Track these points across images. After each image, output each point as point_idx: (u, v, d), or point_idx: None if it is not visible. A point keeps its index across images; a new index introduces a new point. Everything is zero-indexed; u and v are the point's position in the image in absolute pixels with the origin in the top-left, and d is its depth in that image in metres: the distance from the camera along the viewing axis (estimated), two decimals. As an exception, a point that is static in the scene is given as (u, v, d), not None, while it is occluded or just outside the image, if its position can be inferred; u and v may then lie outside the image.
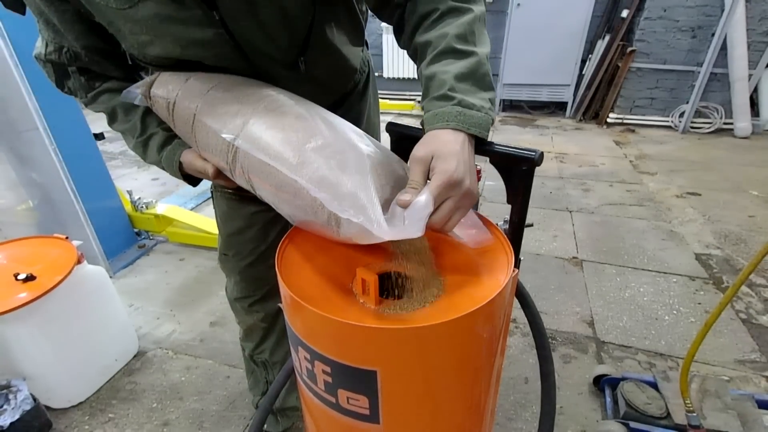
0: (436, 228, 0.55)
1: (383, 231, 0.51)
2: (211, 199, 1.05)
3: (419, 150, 0.57)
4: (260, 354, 1.26)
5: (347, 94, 0.96)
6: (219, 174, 0.74)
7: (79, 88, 0.79)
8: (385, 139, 0.79)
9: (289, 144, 0.60)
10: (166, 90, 0.73)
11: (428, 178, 0.56)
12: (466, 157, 0.56)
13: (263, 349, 1.25)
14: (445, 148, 0.55)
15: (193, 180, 0.84)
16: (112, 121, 0.83)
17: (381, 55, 5.61)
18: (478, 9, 0.65)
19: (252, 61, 0.72)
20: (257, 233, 1.01)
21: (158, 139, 0.81)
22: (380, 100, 5.21)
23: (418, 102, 5.25)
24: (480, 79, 0.61)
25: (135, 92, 0.76)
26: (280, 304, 0.62)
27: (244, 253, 1.04)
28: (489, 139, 0.61)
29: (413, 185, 0.55)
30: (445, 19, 0.64)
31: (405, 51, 0.75)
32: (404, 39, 0.72)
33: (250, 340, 1.25)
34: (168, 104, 0.73)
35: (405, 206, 0.54)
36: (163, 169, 0.83)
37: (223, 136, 0.65)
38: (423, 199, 0.53)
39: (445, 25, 0.64)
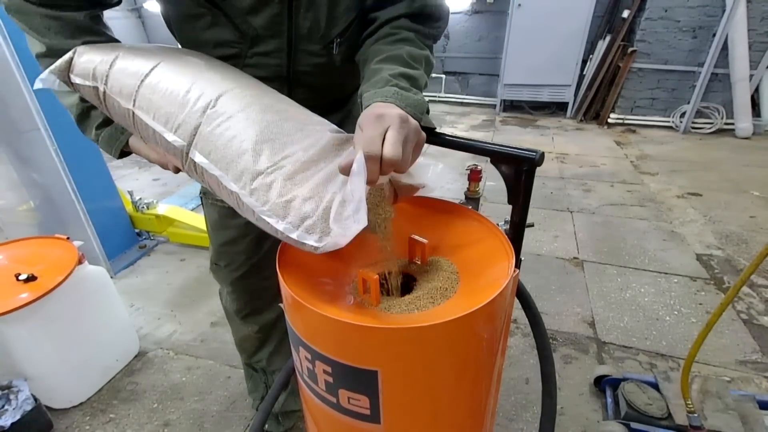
0: (394, 161, 0.49)
1: (345, 238, 0.49)
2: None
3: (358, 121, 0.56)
4: (258, 362, 1.25)
5: (349, 96, 0.96)
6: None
7: None
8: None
9: (252, 161, 0.53)
10: (91, 75, 0.59)
11: None
12: (393, 112, 0.53)
13: (260, 359, 1.24)
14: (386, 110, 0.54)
15: (124, 154, 0.74)
16: (45, 56, 0.65)
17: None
18: (432, 58, 0.73)
19: (295, 30, 0.70)
20: (250, 244, 0.97)
21: (101, 114, 0.70)
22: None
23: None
24: (418, 86, 0.63)
25: (50, 78, 0.61)
26: (280, 304, 0.62)
27: (236, 264, 1.00)
28: (486, 139, 0.62)
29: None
30: (404, 44, 0.69)
31: (358, 61, 0.77)
32: (362, 49, 0.74)
33: (245, 350, 1.23)
34: (97, 92, 0.60)
35: (344, 171, 0.51)
36: (95, 142, 0.72)
37: (172, 142, 0.56)
38: (356, 154, 0.49)
39: (404, 46, 0.68)
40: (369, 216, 0.50)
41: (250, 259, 0.99)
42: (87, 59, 0.59)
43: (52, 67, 0.61)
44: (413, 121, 0.55)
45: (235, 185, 0.53)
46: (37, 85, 0.61)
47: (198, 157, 0.55)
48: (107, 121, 0.70)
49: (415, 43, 0.70)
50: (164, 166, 0.68)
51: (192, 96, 0.56)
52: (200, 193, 0.99)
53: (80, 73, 0.59)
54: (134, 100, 0.56)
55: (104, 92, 0.58)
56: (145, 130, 0.58)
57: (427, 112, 0.62)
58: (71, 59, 0.60)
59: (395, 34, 0.70)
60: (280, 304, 0.62)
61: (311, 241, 0.50)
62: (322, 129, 0.61)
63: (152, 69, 0.57)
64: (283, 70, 0.75)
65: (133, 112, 0.57)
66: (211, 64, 0.63)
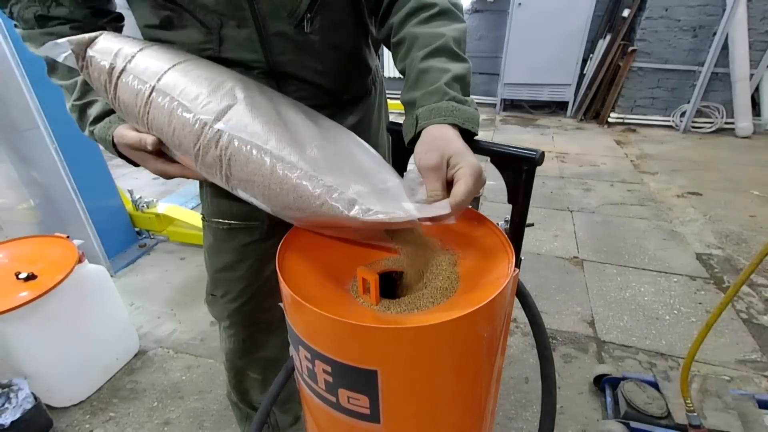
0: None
1: (413, 211, 0.52)
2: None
3: (429, 157, 0.55)
4: (252, 402, 1.13)
5: (361, 99, 0.87)
6: (159, 150, 0.62)
7: (25, 19, 0.67)
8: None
9: (297, 145, 0.55)
10: (113, 53, 0.59)
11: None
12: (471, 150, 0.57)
13: (257, 401, 1.12)
14: (456, 145, 0.55)
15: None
16: (51, 71, 0.70)
17: (381, 55, 5.61)
18: (465, 24, 0.68)
19: (258, 11, 0.65)
20: (249, 269, 0.89)
21: (97, 108, 0.69)
22: (381, 100, 5.21)
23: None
24: (467, 85, 0.63)
25: (64, 47, 0.60)
26: (280, 304, 0.62)
27: (234, 293, 0.92)
28: (486, 138, 0.63)
29: (434, 194, 0.54)
30: (440, 19, 0.65)
31: (383, 38, 0.73)
32: (392, 24, 0.69)
33: (236, 389, 1.11)
34: (112, 70, 0.59)
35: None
36: (97, 142, 0.72)
37: (198, 116, 0.56)
38: (446, 203, 0.54)
39: (441, 26, 0.64)
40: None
41: (249, 287, 0.92)
42: (111, 42, 0.61)
43: (73, 38, 0.60)
44: (484, 179, 0.55)
45: (277, 152, 0.54)
46: (45, 49, 0.60)
47: (224, 126, 0.55)
48: (101, 117, 0.69)
49: (451, 16, 0.66)
50: (141, 146, 0.63)
51: (226, 85, 0.59)
52: (201, 212, 0.92)
53: (100, 50, 0.60)
54: (159, 78, 0.58)
55: (122, 69, 0.59)
56: (161, 109, 0.57)
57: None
58: (94, 38, 0.61)
59: (428, 8, 0.65)
60: (280, 303, 0.62)
61: (355, 210, 0.52)
62: (352, 139, 0.66)
63: (185, 60, 0.61)
64: (264, 64, 0.70)
65: (154, 86, 0.58)
66: (236, 72, 0.67)
